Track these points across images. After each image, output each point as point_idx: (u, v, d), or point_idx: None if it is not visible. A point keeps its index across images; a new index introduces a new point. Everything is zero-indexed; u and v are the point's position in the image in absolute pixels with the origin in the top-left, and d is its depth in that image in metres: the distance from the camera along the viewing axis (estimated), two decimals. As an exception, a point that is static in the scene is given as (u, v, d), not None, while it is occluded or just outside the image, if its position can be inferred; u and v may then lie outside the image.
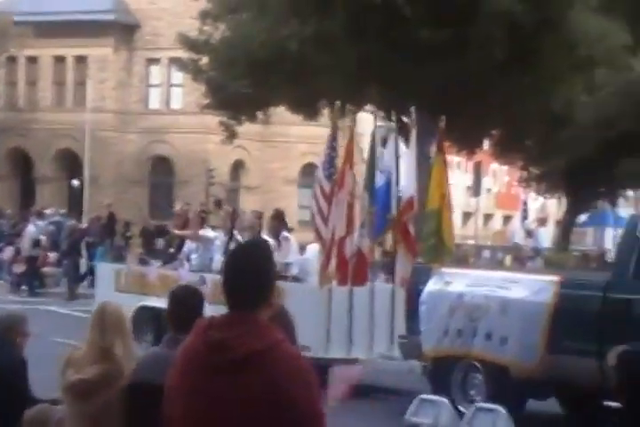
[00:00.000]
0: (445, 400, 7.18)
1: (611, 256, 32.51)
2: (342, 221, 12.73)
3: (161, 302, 14.64)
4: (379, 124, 48.02)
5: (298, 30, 24.32)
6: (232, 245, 14.42)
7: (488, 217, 60.50)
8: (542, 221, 59.15)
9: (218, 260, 14.60)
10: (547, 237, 47.83)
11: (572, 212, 38.16)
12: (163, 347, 4.26)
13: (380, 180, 13.48)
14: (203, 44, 28.58)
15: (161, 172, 48.34)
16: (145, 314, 14.50)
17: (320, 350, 12.39)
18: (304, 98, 27.73)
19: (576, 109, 28.90)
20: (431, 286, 11.70)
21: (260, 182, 50.32)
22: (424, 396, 7.34)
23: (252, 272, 3.39)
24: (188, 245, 15.38)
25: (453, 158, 54.11)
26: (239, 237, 14.77)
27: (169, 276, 14.47)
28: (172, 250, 16.15)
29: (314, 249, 14.42)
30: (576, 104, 28.44)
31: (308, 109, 30.11)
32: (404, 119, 28.34)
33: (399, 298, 12.78)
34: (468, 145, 31.26)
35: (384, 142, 30.10)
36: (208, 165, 44.55)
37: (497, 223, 60.23)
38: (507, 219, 59.97)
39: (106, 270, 16.70)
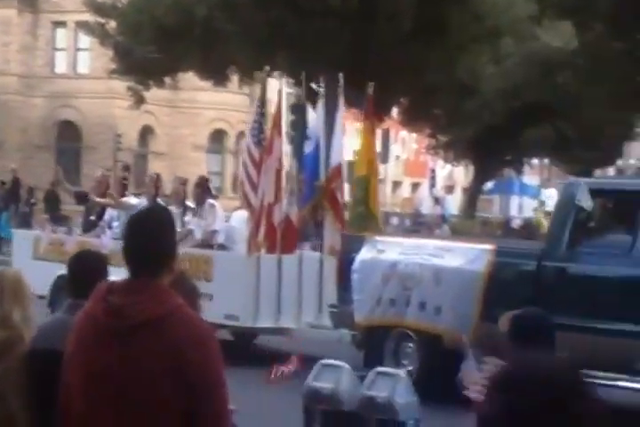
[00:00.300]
0: (346, 365, 7.25)
1: (517, 223, 33.02)
2: (271, 188, 12.54)
3: None
4: (288, 90, 47.72)
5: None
6: None
7: (396, 184, 60.91)
8: (450, 189, 59.84)
9: None
10: (454, 204, 48.40)
11: (478, 179, 38.66)
12: (64, 312, 4.25)
13: (308, 147, 13.24)
14: (110, 7, 28.17)
15: (67, 137, 47.62)
16: (64, 283, 14.19)
17: (248, 320, 12.26)
18: (213, 64, 27.55)
19: (483, 79, 29.20)
20: (364, 254, 11.50)
21: (169, 148, 49.93)
22: (324, 361, 7.41)
23: (152, 239, 3.39)
24: (110, 213, 15.07)
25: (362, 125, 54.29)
26: (163, 204, 14.70)
27: (90, 244, 14.03)
28: (92, 218, 15.30)
29: (239, 216, 14.22)
30: (483, 74, 28.73)
31: (217, 75, 29.93)
32: (314, 86, 28.40)
33: (328, 267, 12.65)
34: (377, 112, 31.37)
35: (293, 109, 30.12)
36: (115, 130, 44.04)
37: (405, 191, 60.65)
38: (415, 186, 60.46)
39: (23, 237, 16.22)
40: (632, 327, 9.66)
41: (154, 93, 34.11)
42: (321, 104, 13.54)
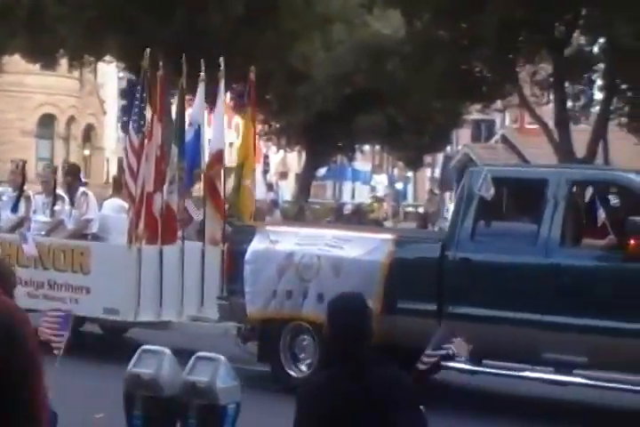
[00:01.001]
0: (167, 350, 7.17)
1: (348, 208, 33.43)
2: (151, 176, 11.93)
3: None
4: (120, 75, 47.04)
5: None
6: (22, 202, 13.50)
7: (230, 170, 60.90)
8: (283, 175, 60.21)
9: (6, 217, 13.57)
10: (287, 190, 48.72)
11: (311, 165, 39.00)
12: None
13: (188, 134, 12.59)
14: None
15: None
16: None
17: (129, 314, 11.74)
18: (41, 47, 26.92)
19: (314, 65, 29.44)
20: (256, 245, 11.00)
21: (-4, 133, 48.67)
22: (145, 346, 7.33)
23: None
24: None
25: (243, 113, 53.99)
26: (30, 193, 13.77)
27: None
28: None
29: (112, 204, 13.68)
30: (314, 60, 28.97)
31: (46, 59, 29.28)
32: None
33: (210, 258, 12.26)
34: (209, 98, 31.26)
35: (124, 94, 29.76)
36: (-61, 114, 42.66)
37: (239, 177, 60.74)
38: (249, 172, 60.57)
39: None
40: (538, 317, 9.60)
41: (-21, 76, 33.18)
42: (201, 89, 12.94)
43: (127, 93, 29.02)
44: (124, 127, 31.07)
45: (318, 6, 26.25)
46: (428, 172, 55.06)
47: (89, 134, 53.23)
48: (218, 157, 12.63)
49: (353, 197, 56.65)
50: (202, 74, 13.09)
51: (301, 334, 10.80)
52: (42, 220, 13.31)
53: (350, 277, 10.24)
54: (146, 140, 12.00)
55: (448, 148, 43.94)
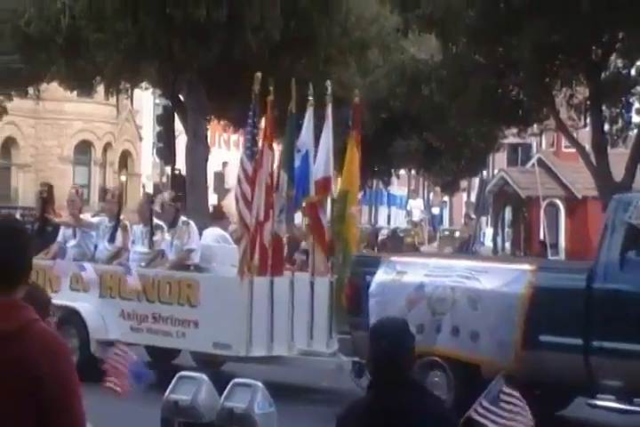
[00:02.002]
0: (204, 376, 7.16)
1: (384, 233, 33.28)
2: (262, 204, 11.52)
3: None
4: (156, 101, 47.36)
5: (69, 5, 23.78)
6: (119, 232, 13.07)
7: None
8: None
9: (103, 248, 13.16)
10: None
11: (347, 190, 38.96)
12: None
13: (296, 160, 12.15)
14: (-30, 16, 27.55)
15: None
16: None
17: (241, 349, 11.26)
18: (78, 74, 27.15)
19: (351, 91, 29.42)
20: (381, 276, 10.55)
21: (33, 160, 49.04)
22: (183, 373, 7.31)
23: (4, 252, 3.30)
24: (63, 232, 13.60)
25: (230, 137, 54.24)
26: (127, 223, 13.38)
27: (42, 266, 12.41)
28: (42, 238, 13.62)
29: (213, 234, 13.28)
30: (350, 85, 28.97)
31: (83, 86, 29.52)
32: (181, 97, 28.23)
33: (318, 289, 11.79)
34: (246, 123, 31.36)
35: (160, 120, 29.90)
36: (-22, 142, 43.13)
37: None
38: (285, 198, 60.68)
39: None
40: None
41: (17, 104, 33.46)
42: (309, 114, 12.57)
43: (163, 119, 29.16)
44: (160, 153, 31.28)
45: (355, 32, 26.30)
46: (463, 196, 54.87)
47: (125, 160, 53.54)
48: (323, 184, 12.08)
49: (389, 221, 56.51)
50: (310, 98, 12.80)
51: (433, 369, 10.29)
52: (141, 250, 12.88)
53: (488, 309, 9.74)
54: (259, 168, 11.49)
55: (484, 172, 43.79)
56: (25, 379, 3.16)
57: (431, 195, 57.71)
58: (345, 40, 26.32)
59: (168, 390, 7.27)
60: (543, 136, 36.96)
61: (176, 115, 28.44)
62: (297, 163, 12.05)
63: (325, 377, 11.24)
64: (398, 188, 57.80)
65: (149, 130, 51.62)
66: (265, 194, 11.54)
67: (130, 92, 36.40)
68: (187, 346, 11.48)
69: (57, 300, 12.22)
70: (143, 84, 32.12)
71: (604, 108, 24.46)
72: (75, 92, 35.74)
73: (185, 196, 28.35)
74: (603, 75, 23.51)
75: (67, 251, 12.82)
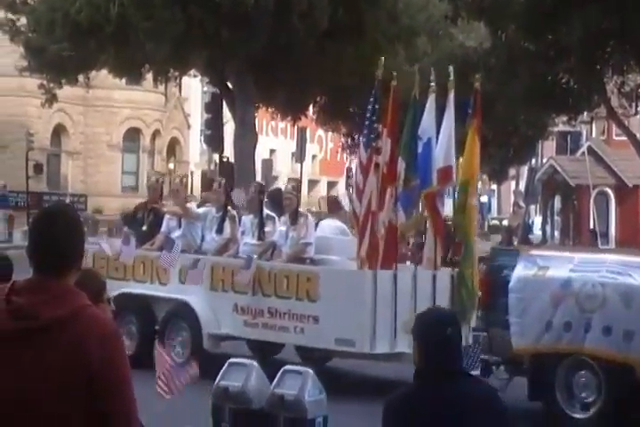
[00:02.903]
0: (254, 363, 7.16)
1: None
2: (376, 194, 10.87)
3: (145, 288, 12.56)
4: (204, 89, 47.47)
5: (119, -7, 23.95)
6: (227, 222, 12.51)
7: (313, 183, 61.04)
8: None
9: (210, 239, 12.65)
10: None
11: (394, 178, 38.86)
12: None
13: (420, 148, 11.44)
14: (20, 4, 27.78)
15: (-22, 136, 46.91)
16: (126, 302, 12.08)
17: (365, 346, 10.70)
18: (127, 62, 27.30)
19: (399, 77, 29.30)
20: (521, 271, 10.09)
21: (83, 147, 49.40)
22: (233, 359, 7.32)
23: (57, 237, 3.32)
24: (168, 223, 12.97)
25: (278, 124, 54.34)
26: (235, 213, 12.71)
27: (148, 257, 12.41)
28: (144, 228, 13.25)
29: (330, 226, 12.73)
30: (398, 72, 28.85)
31: (132, 73, 29.68)
32: (229, 85, 28.31)
33: (441, 282, 11.18)
34: (293, 111, 31.43)
35: (208, 107, 30.00)
36: (27, 129, 43.42)
37: (322, 189, 60.80)
38: (331, 185, 60.63)
39: None
40: None
41: (67, 92, 33.68)
42: (431, 100, 11.75)
43: (211, 107, 29.26)
44: (208, 141, 31.39)
45: (403, 19, 26.21)
46: (512, 184, 54.53)
47: (173, 148, 53.79)
48: (445, 173, 11.44)
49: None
50: (432, 84, 12.09)
51: (581, 369, 9.87)
52: (252, 242, 12.29)
53: None
54: (375, 156, 10.94)
55: (533, 160, 43.48)
56: (77, 364, 3.17)
57: (479, 183, 57.36)
58: (393, 27, 26.23)
59: (219, 377, 7.30)
60: (594, 124, 36.66)
61: (224, 102, 28.52)
62: (419, 151, 11.43)
63: None
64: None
65: (197, 117, 51.82)
66: (381, 183, 10.95)
67: (178, 79, 36.55)
68: (306, 342, 10.96)
69: (166, 292, 12.24)
70: (191, 72, 32.24)
71: (655, 95, 24.21)
72: (124, 80, 35.93)
73: (233, 183, 28.50)
74: (655, 62, 23.26)
75: (175, 242, 12.07)
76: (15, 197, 37.85)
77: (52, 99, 30.32)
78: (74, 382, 3.19)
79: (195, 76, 34.42)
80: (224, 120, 29.24)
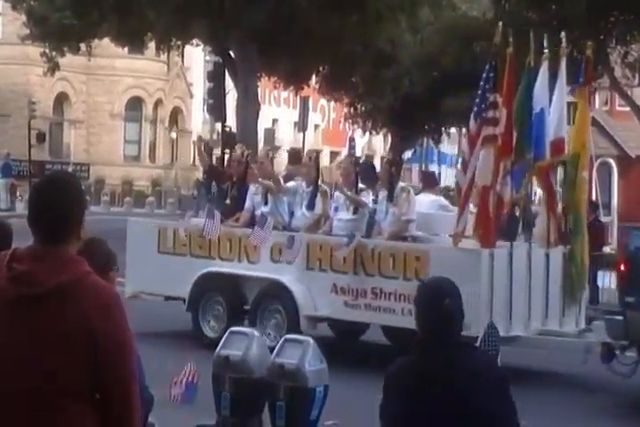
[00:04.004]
0: (255, 332, 7.19)
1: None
2: (488, 167, 10.17)
3: (233, 267, 11.77)
4: (207, 58, 47.19)
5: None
6: (319, 198, 11.76)
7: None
8: (369, 158, 60.05)
9: (301, 215, 11.90)
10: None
11: (397, 149, 38.84)
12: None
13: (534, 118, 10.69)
14: (23, -28, 27.74)
15: (-20, 104, 46.80)
16: (213, 281, 11.89)
17: (479, 328, 9.54)
18: (129, 30, 27.24)
19: (401, 48, 29.28)
20: None
21: (85, 116, 49.32)
22: (234, 328, 7.35)
23: (57, 205, 3.33)
24: (252, 198, 12.17)
25: (281, 94, 54.20)
26: (326, 188, 11.99)
27: (236, 234, 11.70)
28: (227, 201, 12.52)
29: (429, 201, 12.10)
30: (400, 43, 28.81)
31: (134, 42, 29.63)
32: (231, 54, 28.24)
33: (554, 262, 10.59)
34: (296, 81, 31.38)
35: (211, 76, 29.92)
36: (30, 97, 43.35)
37: (324, 159, 60.75)
38: (333, 155, 60.56)
39: (140, 227, 13.05)
40: None
41: (69, 60, 33.58)
42: (544, 68, 10.91)
43: (213, 76, 29.19)
44: (210, 110, 31.33)
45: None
46: (514, 155, 54.48)
47: (176, 117, 53.71)
48: (558, 146, 10.83)
49: (439, 180, 56.30)
50: (546, 51, 11.25)
51: None
52: (347, 217, 11.52)
53: None
54: (486, 128, 10.26)
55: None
56: (79, 331, 3.21)
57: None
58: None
59: (219, 346, 7.33)
60: (596, 95, 36.53)
61: (227, 72, 28.46)
62: (535, 121, 10.79)
63: (562, 359, 10.22)
64: (449, 146, 57.49)
65: (200, 87, 51.67)
66: (496, 156, 10.22)
67: (181, 48, 36.44)
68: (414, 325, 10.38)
69: (257, 272, 11.49)
70: (194, 41, 32.14)
71: (659, 66, 24.13)
72: (126, 49, 35.85)
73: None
74: (658, 32, 23.15)
75: (267, 219, 11.29)
76: (18, 165, 37.85)
77: (54, 67, 30.26)
78: (76, 348, 3.21)
79: (197, 45, 34.31)
80: (227, 89, 29.18)
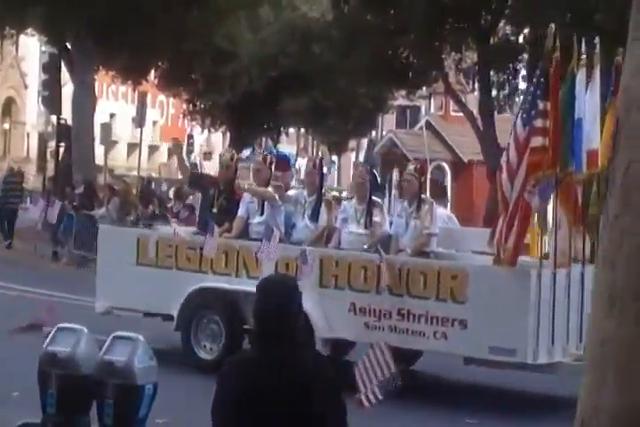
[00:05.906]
0: (84, 329, 7.08)
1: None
2: (524, 176, 9.57)
3: (230, 282, 10.75)
4: (42, 49, 46.15)
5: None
6: (323, 208, 10.83)
7: (153, 149, 60.30)
8: (207, 155, 59.86)
9: (303, 227, 10.97)
10: (213, 170, 48.42)
11: (235, 146, 38.82)
12: None
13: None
14: None
15: None
16: (207, 298, 10.92)
17: (528, 355, 9.46)
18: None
19: (240, 46, 29.29)
20: None
21: None
22: (61, 325, 7.21)
23: None
24: (247, 207, 11.15)
25: (119, 88, 53.43)
26: (331, 197, 11.35)
27: (234, 247, 10.78)
28: (214, 210, 11.49)
29: (445, 214, 11.45)
30: (240, 41, 28.82)
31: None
32: (68, 45, 27.66)
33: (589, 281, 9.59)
34: (134, 75, 30.98)
35: (46, 68, 29.23)
36: None
37: (162, 156, 60.14)
38: (172, 151, 60.10)
39: (115, 236, 12.05)
40: None
41: None
42: (581, 76, 10.05)
43: (49, 67, 28.54)
44: (45, 102, 30.61)
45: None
46: (352, 156, 55.20)
47: (9, 108, 52.36)
48: (590, 158, 10.08)
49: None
50: (583, 57, 10.32)
51: None
52: (358, 231, 10.66)
53: None
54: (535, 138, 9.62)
55: (373, 133, 44.07)
56: None
57: (319, 154, 57.92)
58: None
59: (46, 342, 7.19)
60: (432, 99, 37.33)
61: (62, 63, 27.86)
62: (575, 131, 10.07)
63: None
64: (287, 146, 57.84)
65: (35, 78, 50.48)
66: (531, 166, 9.58)
67: (15, 38, 35.50)
68: (449, 349, 9.54)
69: None
70: (29, 31, 31.37)
71: (492, 73, 24.81)
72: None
73: (70, 146, 27.90)
74: (491, 41, 23.81)
75: (274, 232, 10.32)
76: None
77: None
78: None
79: (32, 35, 33.51)
80: (63, 82, 28.57)
